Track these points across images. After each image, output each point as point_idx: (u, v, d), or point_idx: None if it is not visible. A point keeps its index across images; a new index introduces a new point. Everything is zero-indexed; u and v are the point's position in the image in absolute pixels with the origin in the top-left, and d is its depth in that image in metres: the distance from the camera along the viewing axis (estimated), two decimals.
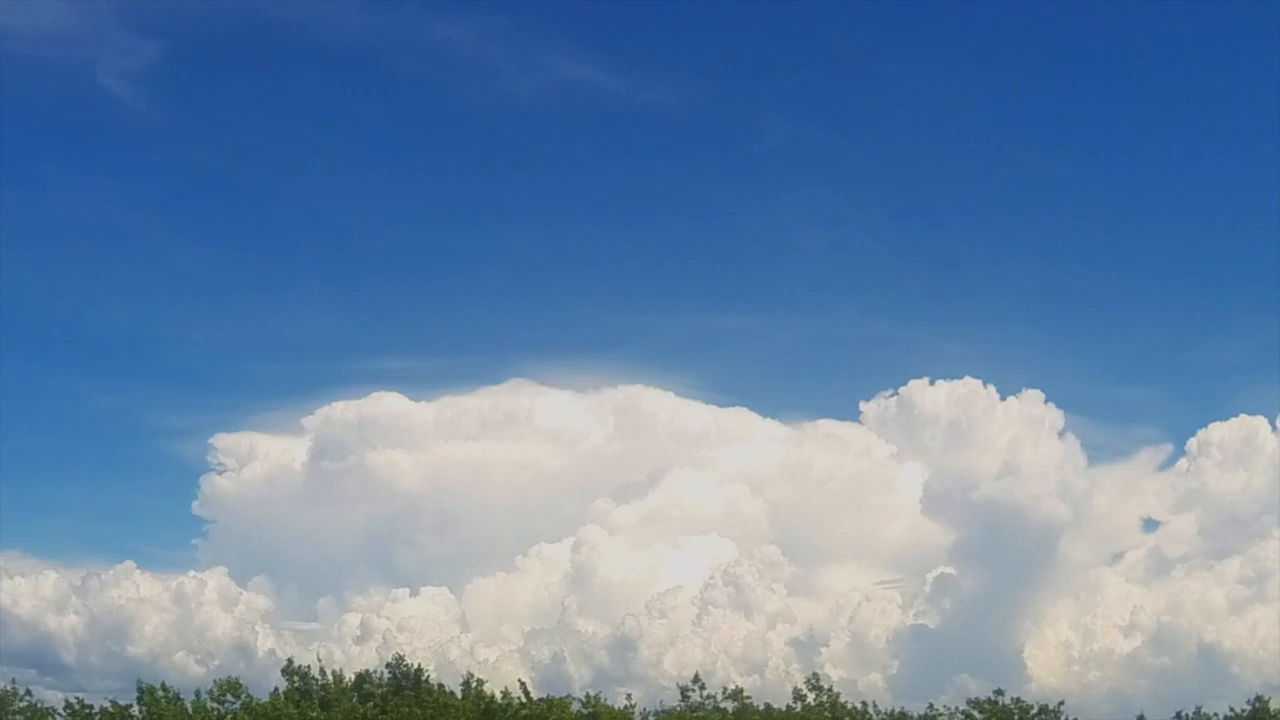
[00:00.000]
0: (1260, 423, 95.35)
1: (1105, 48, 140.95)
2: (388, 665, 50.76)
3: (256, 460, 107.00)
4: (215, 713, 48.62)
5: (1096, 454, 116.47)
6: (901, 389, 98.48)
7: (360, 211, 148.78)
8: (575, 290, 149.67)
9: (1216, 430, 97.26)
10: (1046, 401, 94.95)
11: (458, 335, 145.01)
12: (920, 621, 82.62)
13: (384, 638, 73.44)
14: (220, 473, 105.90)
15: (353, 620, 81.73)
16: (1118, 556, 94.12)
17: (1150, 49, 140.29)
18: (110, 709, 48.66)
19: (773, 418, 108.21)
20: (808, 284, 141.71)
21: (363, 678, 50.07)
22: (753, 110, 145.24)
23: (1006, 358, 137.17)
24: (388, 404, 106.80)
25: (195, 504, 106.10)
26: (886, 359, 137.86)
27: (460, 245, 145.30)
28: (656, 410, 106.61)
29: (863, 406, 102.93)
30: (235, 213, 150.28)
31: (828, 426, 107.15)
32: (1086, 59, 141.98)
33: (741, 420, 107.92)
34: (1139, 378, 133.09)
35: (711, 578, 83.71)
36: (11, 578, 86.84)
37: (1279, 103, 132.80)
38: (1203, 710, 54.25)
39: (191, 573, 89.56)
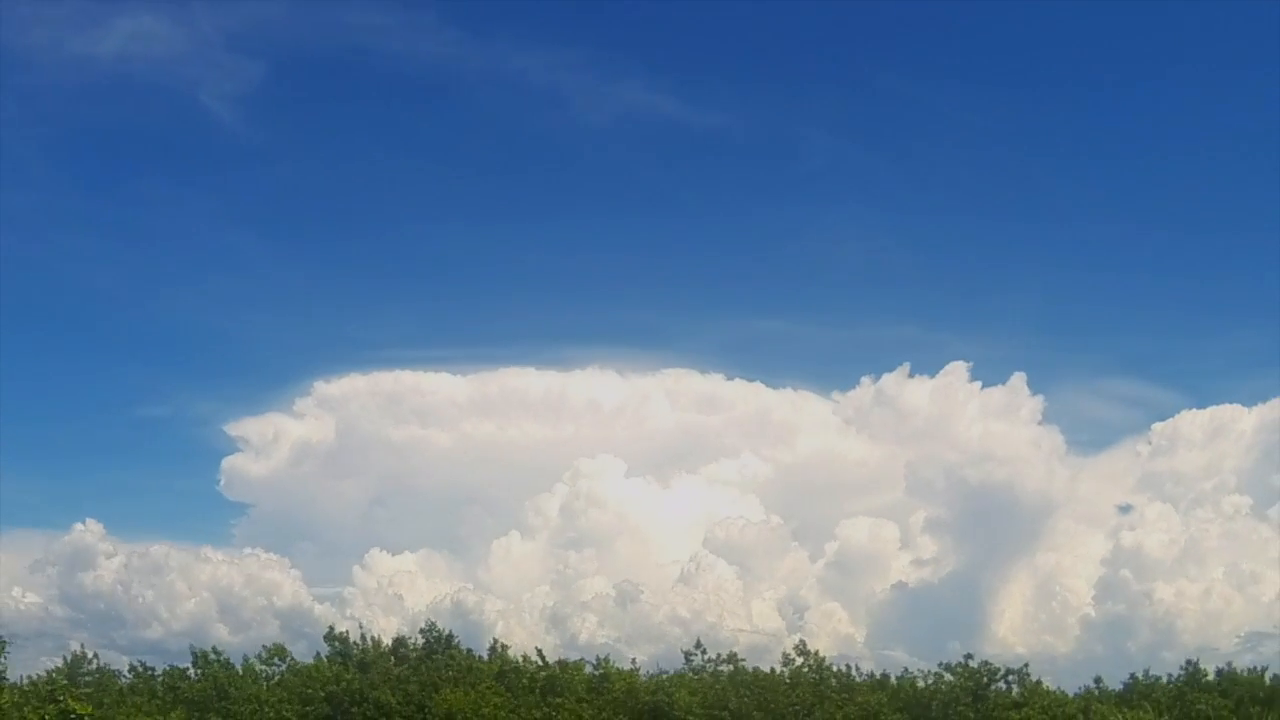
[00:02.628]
0: (1230, 410, 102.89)
1: (1106, 74, 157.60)
2: (421, 631, 56.09)
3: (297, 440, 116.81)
4: (264, 675, 53.62)
5: (1083, 442, 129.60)
6: (886, 378, 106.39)
7: (438, 223, 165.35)
8: (632, 292, 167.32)
9: (1186, 417, 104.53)
10: (1035, 394, 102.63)
11: (513, 329, 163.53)
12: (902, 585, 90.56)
13: (405, 596, 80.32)
14: (259, 455, 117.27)
15: (378, 582, 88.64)
16: (1082, 534, 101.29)
17: (1145, 71, 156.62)
18: (170, 671, 53.62)
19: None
20: (843, 291, 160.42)
21: (399, 642, 55.34)
22: (799, 135, 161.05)
23: (1019, 357, 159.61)
24: (426, 381, 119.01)
25: (241, 482, 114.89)
26: (910, 357, 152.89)
27: (525, 254, 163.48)
28: (700, 391, 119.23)
29: (836, 396, 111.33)
30: (319, 224, 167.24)
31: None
32: (1088, 89, 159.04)
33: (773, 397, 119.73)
34: (1139, 374, 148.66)
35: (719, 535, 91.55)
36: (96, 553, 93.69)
37: (1266, 114, 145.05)
38: (1150, 671, 60.42)
39: (233, 547, 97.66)
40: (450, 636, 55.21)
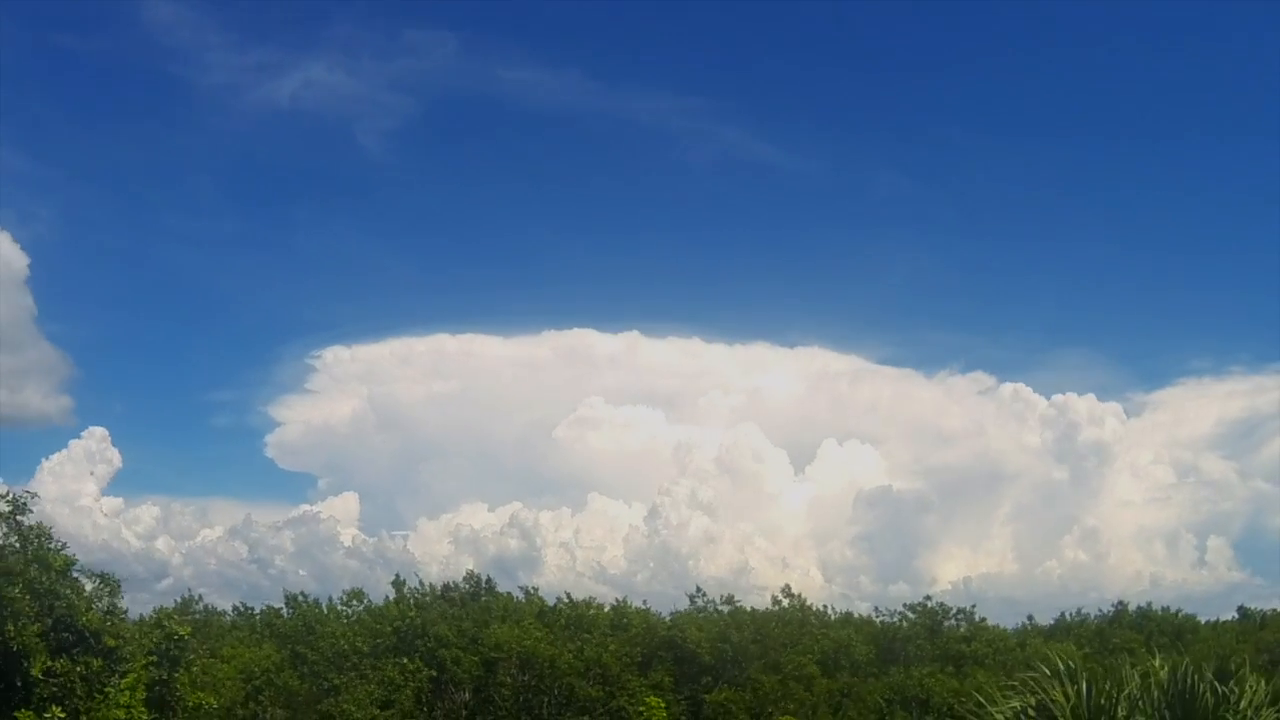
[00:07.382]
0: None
1: (1116, 127, 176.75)
2: (465, 577, 66.05)
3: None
4: (344, 614, 63.42)
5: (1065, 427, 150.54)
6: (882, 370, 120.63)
7: (546, 236, 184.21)
8: (707, 295, 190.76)
9: (1156, 396, 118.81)
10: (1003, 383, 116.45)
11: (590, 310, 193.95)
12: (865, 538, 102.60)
13: (459, 542, 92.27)
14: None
15: (435, 531, 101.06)
16: (1029, 499, 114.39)
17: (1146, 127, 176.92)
18: (266, 610, 63.52)
19: None
20: (889, 301, 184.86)
21: (449, 587, 65.15)
22: (868, 175, 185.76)
23: (1024, 359, 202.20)
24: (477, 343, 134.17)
25: (310, 453, 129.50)
26: (942, 363, 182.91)
27: (615, 265, 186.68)
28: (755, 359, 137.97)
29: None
30: (446, 239, 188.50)
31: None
32: (1092, 130, 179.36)
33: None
34: (1126, 371, 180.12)
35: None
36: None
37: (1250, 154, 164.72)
38: (1081, 610, 71.74)
39: (312, 507, 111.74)
40: (491, 581, 65.52)
